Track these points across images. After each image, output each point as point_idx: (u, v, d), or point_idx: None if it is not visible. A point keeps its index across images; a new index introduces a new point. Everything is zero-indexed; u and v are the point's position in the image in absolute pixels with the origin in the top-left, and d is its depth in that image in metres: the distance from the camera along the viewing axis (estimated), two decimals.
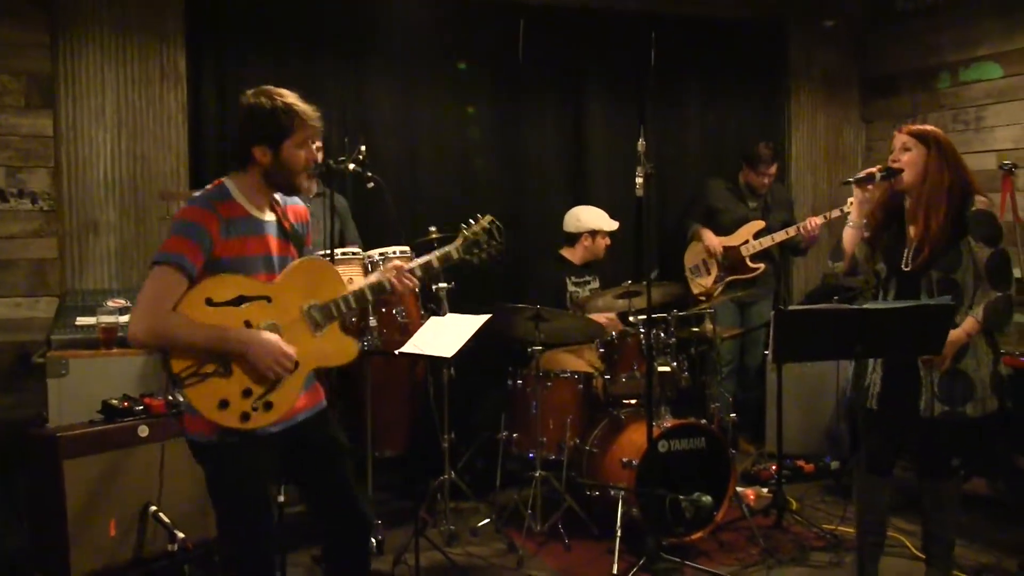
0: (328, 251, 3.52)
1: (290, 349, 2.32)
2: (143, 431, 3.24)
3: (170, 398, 3.39)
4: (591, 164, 5.26)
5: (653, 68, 4.90)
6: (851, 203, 4.64)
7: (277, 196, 2.47)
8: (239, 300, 2.29)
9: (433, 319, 3.55)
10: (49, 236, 4.19)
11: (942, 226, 2.95)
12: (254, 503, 2.38)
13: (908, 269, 3.02)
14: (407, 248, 3.95)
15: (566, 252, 4.65)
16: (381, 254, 3.88)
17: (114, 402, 3.31)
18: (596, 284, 4.66)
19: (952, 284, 2.97)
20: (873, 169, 3.08)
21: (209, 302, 2.25)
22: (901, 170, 3.01)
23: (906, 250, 3.04)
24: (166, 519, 3.18)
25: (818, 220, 4.75)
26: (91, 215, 4.27)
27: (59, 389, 3.49)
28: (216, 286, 2.26)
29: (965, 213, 2.96)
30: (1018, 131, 4.91)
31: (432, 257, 2.64)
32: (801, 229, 4.78)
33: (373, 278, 2.58)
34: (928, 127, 3.07)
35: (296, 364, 2.35)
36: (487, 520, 3.99)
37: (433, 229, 4.09)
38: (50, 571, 3.13)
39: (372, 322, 3.77)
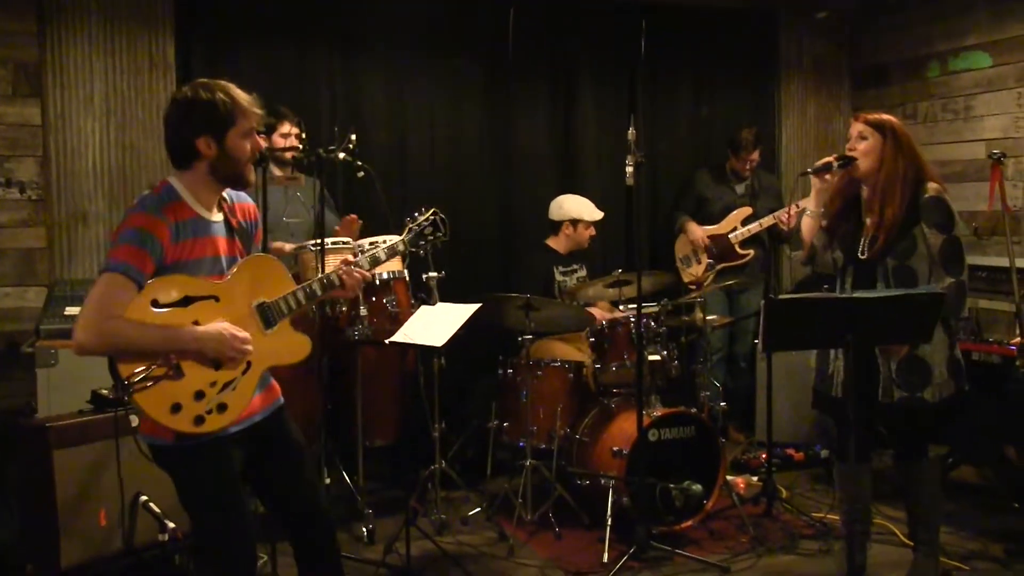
0: (318, 240, 3.51)
1: (242, 332, 2.28)
2: (134, 420, 3.22)
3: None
4: (582, 153, 5.26)
5: (643, 57, 4.88)
6: None
7: (225, 193, 2.40)
8: (186, 300, 2.22)
9: (423, 308, 3.55)
10: (38, 225, 4.17)
11: (896, 214, 2.97)
12: (225, 502, 2.33)
13: (864, 257, 3.06)
14: (396, 238, 3.94)
15: (551, 241, 4.65)
16: (372, 243, 3.87)
17: (104, 392, 3.30)
18: (583, 273, 4.67)
19: (907, 271, 3.00)
20: (830, 158, 3.10)
21: (155, 304, 2.18)
22: (855, 159, 3.03)
23: (863, 238, 3.07)
24: (156, 509, 3.18)
25: (792, 209, 4.77)
26: (80, 205, 4.25)
27: (48, 379, 3.48)
28: (161, 287, 2.19)
29: (919, 200, 2.98)
30: (1007, 120, 4.92)
31: (379, 250, 2.68)
32: (778, 220, 4.83)
33: (322, 277, 2.53)
34: (884, 115, 3.08)
35: (249, 364, 2.31)
36: (478, 509, 4.00)
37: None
38: (40, 561, 3.13)
39: (363, 311, 3.76)
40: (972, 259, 3.57)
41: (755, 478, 4.42)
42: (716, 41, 5.52)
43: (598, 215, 4.61)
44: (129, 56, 4.31)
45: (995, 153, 4.08)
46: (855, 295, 2.86)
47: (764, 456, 4.30)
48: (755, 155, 5.10)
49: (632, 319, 3.89)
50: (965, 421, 3.23)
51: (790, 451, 4.77)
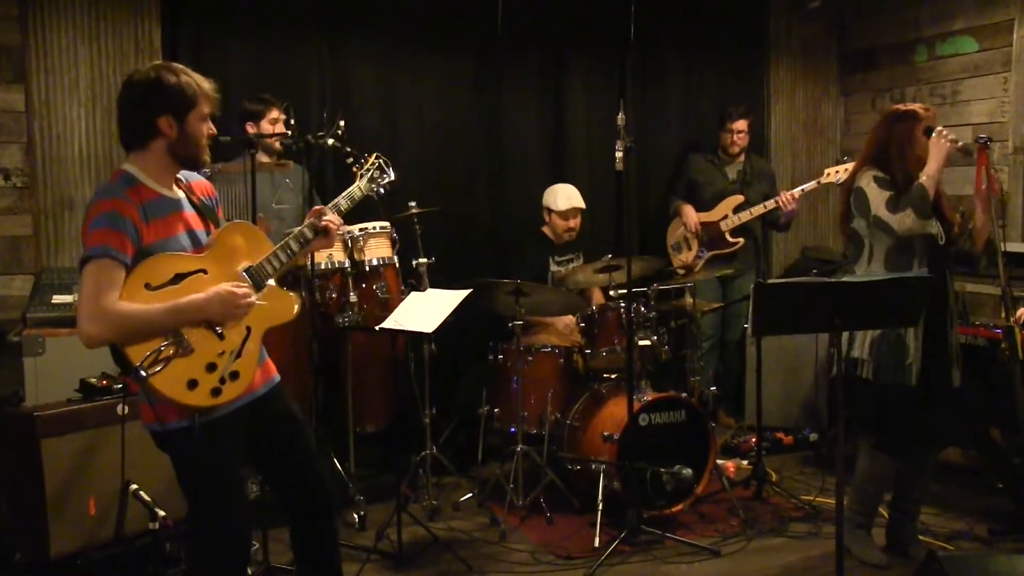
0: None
1: (241, 287, 2.33)
2: (122, 409, 3.21)
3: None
4: (572, 138, 5.24)
5: (633, 42, 4.87)
6: (828, 174, 4.70)
7: (179, 175, 2.42)
8: (176, 278, 2.25)
9: (413, 294, 3.54)
10: (23, 213, 4.12)
11: None
12: (225, 485, 2.36)
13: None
14: (387, 224, 3.94)
15: (545, 229, 4.65)
16: (361, 229, 3.87)
17: (92, 380, 3.28)
18: (580, 263, 4.65)
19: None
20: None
21: (148, 287, 2.20)
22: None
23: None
24: (146, 497, 3.17)
25: (796, 193, 4.78)
26: (66, 192, 4.21)
27: (35, 368, 3.46)
28: (151, 269, 2.22)
29: None
30: (993, 105, 4.94)
31: (341, 199, 2.84)
32: (779, 203, 4.80)
33: (295, 231, 2.58)
34: None
35: (248, 330, 2.36)
36: (469, 495, 4.01)
37: (412, 204, 4.09)
38: (29, 551, 3.12)
39: (352, 298, 3.76)
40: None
41: (745, 462, 4.45)
42: (705, 25, 5.51)
43: (565, 204, 4.49)
44: (115, 41, 4.26)
45: (981, 137, 4.09)
46: (843, 279, 2.87)
47: (754, 440, 4.32)
48: (740, 124, 5.07)
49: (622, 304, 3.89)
50: (950, 403, 3.27)
51: (779, 435, 4.81)
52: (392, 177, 3.06)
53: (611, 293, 4.19)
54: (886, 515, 3.47)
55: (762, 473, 4.10)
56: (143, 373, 2.16)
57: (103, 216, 2.19)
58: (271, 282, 2.46)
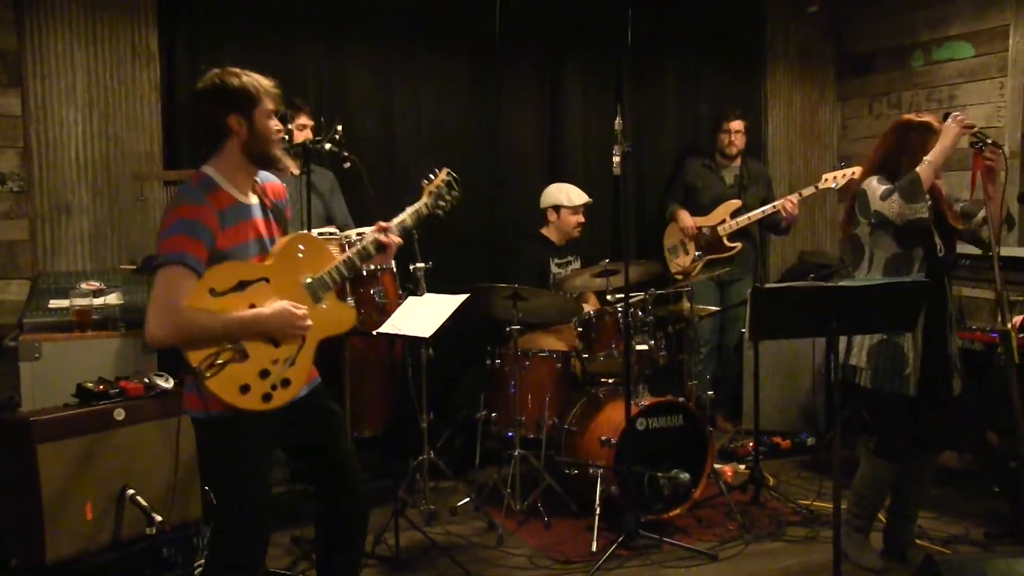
0: (304, 231, 3.49)
1: (301, 308, 2.40)
2: (119, 414, 3.20)
3: (146, 380, 3.36)
4: (569, 142, 5.25)
5: (630, 46, 4.86)
6: (826, 180, 4.70)
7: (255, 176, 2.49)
8: (241, 285, 2.33)
9: (411, 299, 3.54)
10: (20, 218, 4.12)
11: None
12: (255, 476, 2.43)
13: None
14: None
15: (545, 231, 4.65)
16: (359, 234, 3.85)
17: (89, 385, 3.27)
18: (578, 265, 4.65)
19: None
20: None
21: (213, 292, 2.28)
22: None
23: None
24: (143, 502, 3.16)
25: (794, 198, 4.79)
26: (63, 196, 4.20)
27: (32, 373, 3.45)
28: (216, 276, 2.29)
29: None
30: (989, 109, 4.96)
31: (405, 215, 2.80)
32: (781, 209, 4.81)
33: (358, 246, 2.64)
34: None
35: (303, 339, 2.43)
36: (466, 499, 4.01)
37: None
38: (25, 556, 3.10)
39: (350, 302, 3.75)
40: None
41: (742, 466, 4.45)
42: (703, 30, 5.52)
43: (579, 200, 4.57)
44: (111, 46, 4.26)
45: (976, 142, 4.11)
46: (840, 283, 2.87)
47: (751, 444, 4.32)
48: (736, 124, 5.09)
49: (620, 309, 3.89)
50: (948, 406, 3.27)
51: (777, 439, 4.81)
52: (458, 193, 2.96)
53: (608, 297, 4.19)
54: (883, 519, 3.47)
55: (759, 477, 4.10)
56: (202, 375, 2.24)
57: (184, 222, 2.26)
58: (331, 293, 2.53)
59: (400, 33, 4.80)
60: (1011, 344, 2.98)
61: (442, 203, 2.92)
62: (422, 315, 3.36)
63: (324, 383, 3.91)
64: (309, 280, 2.49)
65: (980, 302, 4.73)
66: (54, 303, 3.69)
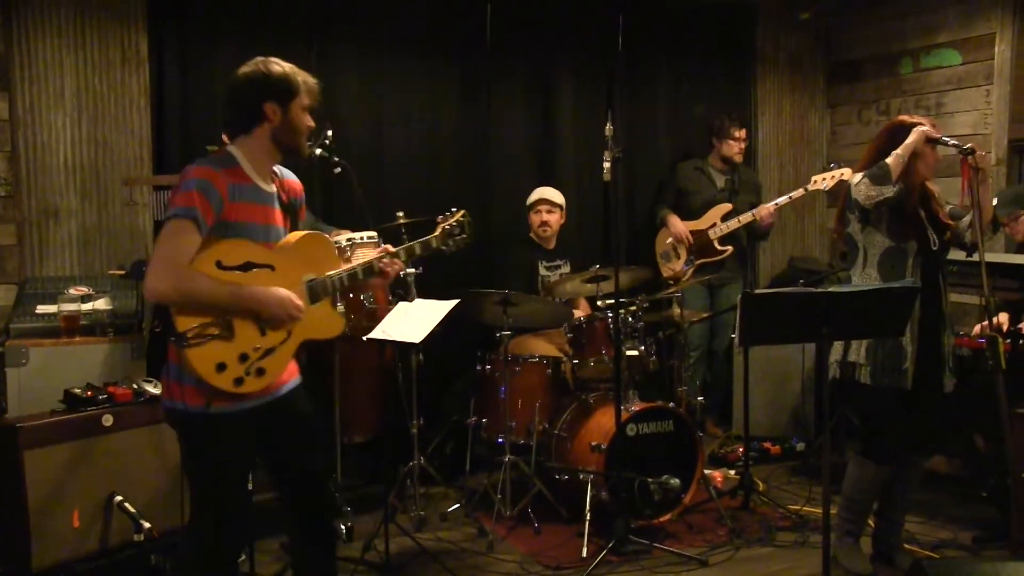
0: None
1: (300, 301, 2.42)
2: (107, 420, 3.19)
3: (135, 386, 3.34)
4: (559, 148, 5.26)
5: (621, 52, 4.88)
6: (815, 181, 4.74)
7: (275, 169, 2.53)
8: (247, 266, 2.35)
9: (401, 304, 3.53)
10: (7, 222, 4.09)
11: None
12: (234, 477, 2.42)
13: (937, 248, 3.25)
14: (374, 234, 3.92)
15: (531, 234, 4.67)
16: (349, 239, 3.85)
17: (77, 391, 3.25)
18: (567, 269, 4.67)
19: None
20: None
21: (219, 265, 2.29)
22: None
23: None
24: (131, 508, 3.15)
25: (769, 207, 4.84)
26: (51, 201, 4.18)
27: (19, 378, 3.43)
28: (227, 249, 2.31)
29: None
30: (976, 117, 5.00)
31: (415, 244, 2.84)
32: (756, 216, 4.86)
33: (365, 260, 2.68)
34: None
35: (289, 334, 2.43)
36: (457, 505, 4.00)
37: (400, 214, 4.09)
38: (11, 565, 3.08)
39: (340, 308, 3.74)
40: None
41: (732, 472, 4.45)
42: (693, 36, 5.54)
43: (533, 197, 4.62)
44: (101, 50, 4.24)
45: (965, 149, 4.14)
46: (830, 289, 2.88)
47: (741, 450, 4.33)
48: (742, 133, 5.14)
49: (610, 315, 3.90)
50: (937, 406, 3.30)
51: (767, 444, 4.82)
52: (468, 236, 2.99)
53: (598, 303, 4.20)
54: (871, 523, 3.48)
55: (749, 483, 4.10)
56: (184, 342, 2.23)
57: (196, 181, 2.27)
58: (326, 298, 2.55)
59: (390, 39, 4.80)
60: (998, 349, 2.99)
61: (451, 242, 2.95)
62: (412, 321, 3.36)
63: (314, 389, 3.93)
64: (312, 279, 2.51)
65: (968, 307, 4.75)
66: (42, 308, 3.67)
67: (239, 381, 2.33)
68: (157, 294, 2.24)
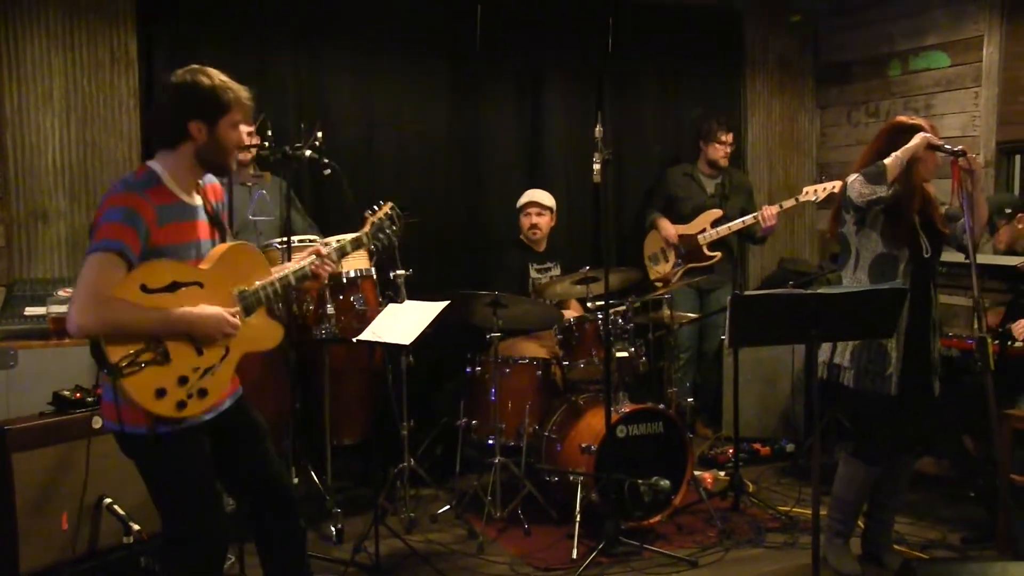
0: (284, 239, 3.48)
1: (234, 317, 2.34)
2: (96, 422, 3.17)
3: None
4: (549, 150, 5.26)
5: (610, 55, 4.90)
6: (806, 192, 4.73)
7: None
8: (173, 286, 2.26)
9: (391, 306, 3.53)
10: None
11: None
12: (197, 492, 2.36)
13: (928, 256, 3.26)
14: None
15: (522, 236, 4.67)
16: (338, 241, 3.84)
17: (66, 393, 3.24)
18: (557, 271, 4.67)
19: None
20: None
21: (144, 288, 2.21)
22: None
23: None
24: (121, 511, 3.13)
25: (774, 209, 4.82)
26: (40, 202, 4.16)
27: (7, 381, 3.42)
28: (150, 272, 2.23)
29: None
30: (965, 119, 5.03)
31: (346, 243, 2.75)
32: (759, 219, 4.83)
33: (295, 265, 2.59)
34: None
35: (227, 350, 2.37)
36: (447, 507, 4.00)
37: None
38: None
39: (330, 310, 3.74)
40: None
41: (722, 473, 4.46)
42: (682, 39, 5.55)
43: (523, 200, 4.63)
44: (89, 51, 4.23)
45: (956, 152, 4.16)
46: (819, 291, 2.89)
47: (731, 451, 4.34)
48: (729, 137, 5.13)
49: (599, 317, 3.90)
50: (928, 412, 3.31)
51: (756, 446, 4.83)
52: (400, 231, 2.91)
53: (588, 305, 4.20)
54: (861, 524, 3.49)
55: (739, 484, 4.11)
56: (118, 372, 2.16)
57: (120, 210, 2.19)
58: (261, 308, 2.48)
59: (380, 40, 4.80)
60: (987, 351, 3.01)
61: (382, 236, 2.86)
62: (402, 322, 3.36)
63: (305, 391, 3.94)
64: (242, 292, 2.43)
65: (957, 308, 4.78)
66: (30, 310, 3.66)
67: (181, 405, 2.25)
68: (84, 330, 2.15)
